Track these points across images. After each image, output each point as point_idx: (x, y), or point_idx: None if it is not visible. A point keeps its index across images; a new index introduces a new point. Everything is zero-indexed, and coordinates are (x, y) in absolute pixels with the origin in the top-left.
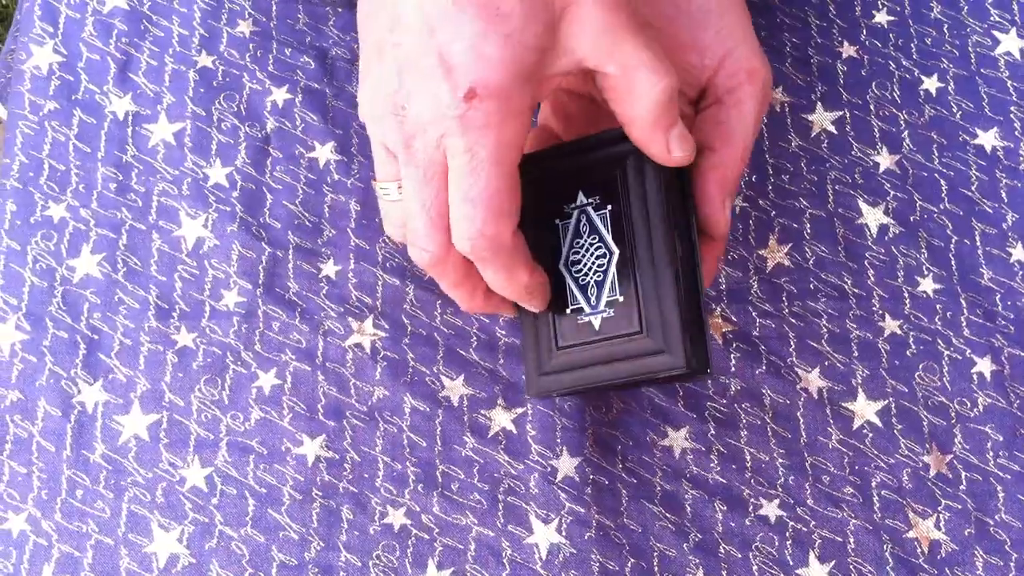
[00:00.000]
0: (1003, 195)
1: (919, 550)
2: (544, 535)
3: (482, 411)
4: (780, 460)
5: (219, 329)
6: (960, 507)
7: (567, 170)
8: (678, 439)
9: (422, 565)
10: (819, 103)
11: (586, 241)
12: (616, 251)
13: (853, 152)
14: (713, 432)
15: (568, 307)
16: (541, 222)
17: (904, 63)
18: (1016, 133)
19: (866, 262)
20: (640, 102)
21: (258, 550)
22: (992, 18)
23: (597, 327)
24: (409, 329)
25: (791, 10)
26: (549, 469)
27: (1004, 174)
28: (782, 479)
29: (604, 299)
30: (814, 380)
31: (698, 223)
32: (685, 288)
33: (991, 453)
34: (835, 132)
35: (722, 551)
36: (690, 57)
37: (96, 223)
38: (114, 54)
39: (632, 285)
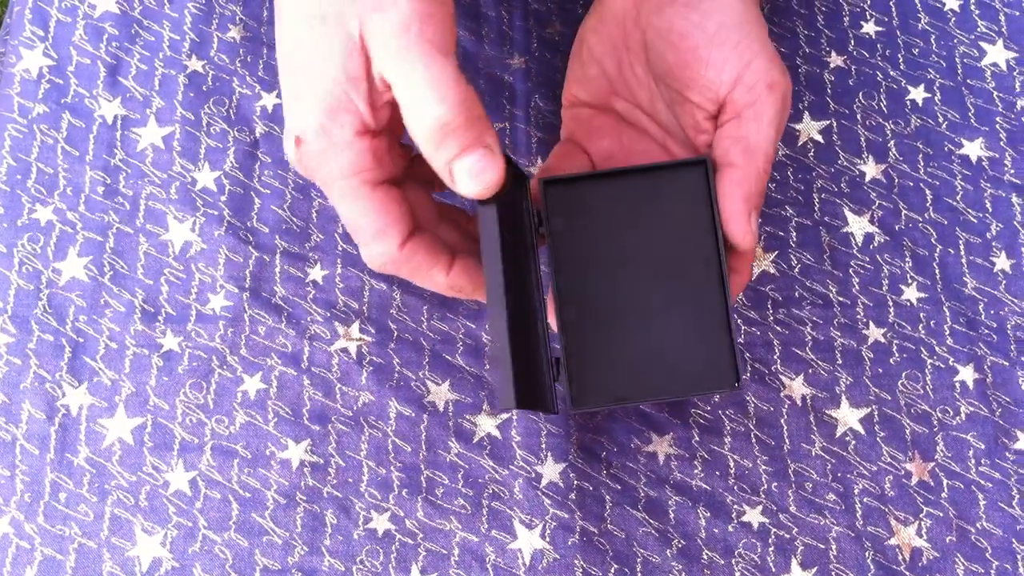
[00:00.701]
0: (987, 205)
1: (901, 557)
2: (528, 540)
3: (467, 416)
4: (763, 467)
5: (205, 333)
6: (942, 515)
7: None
8: (662, 445)
9: (406, 570)
10: (806, 112)
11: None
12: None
13: (839, 161)
14: (697, 439)
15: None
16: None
17: (891, 73)
18: (1001, 143)
19: (851, 270)
20: (418, 130)
21: (241, 554)
22: (979, 29)
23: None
24: (395, 334)
25: (780, 20)
26: (533, 475)
27: (989, 184)
28: (765, 486)
29: None
30: (798, 387)
31: (725, 237)
32: (719, 305)
33: (973, 461)
34: (822, 141)
35: (705, 557)
36: (707, 72)
37: (83, 226)
38: (104, 58)
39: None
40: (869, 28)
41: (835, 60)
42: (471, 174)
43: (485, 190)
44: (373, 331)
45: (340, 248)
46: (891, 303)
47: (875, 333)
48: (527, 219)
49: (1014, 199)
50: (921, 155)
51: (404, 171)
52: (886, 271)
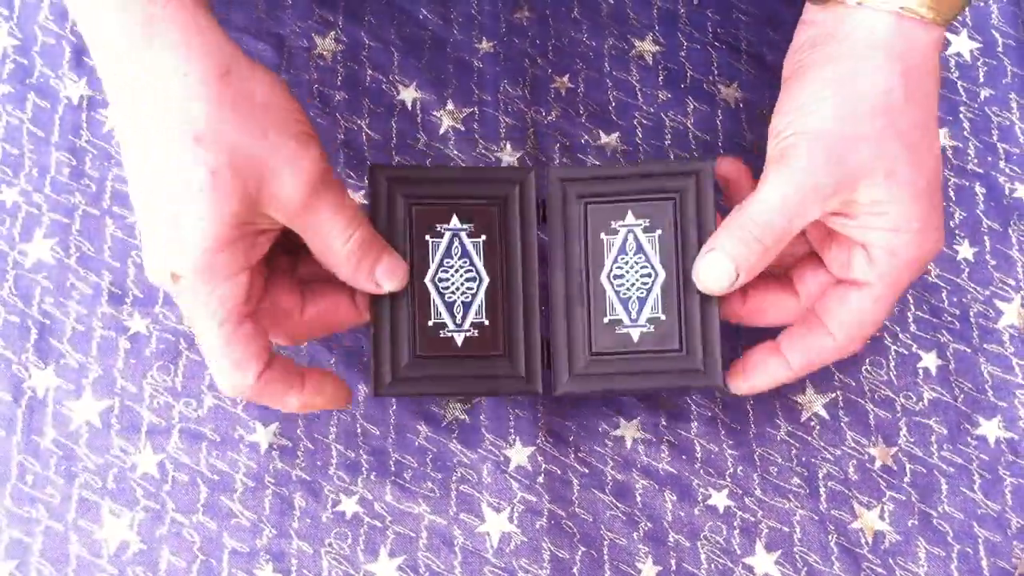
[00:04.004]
0: (951, 193)
1: (863, 540)
2: (496, 524)
3: (435, 400)
4: (729, 451)
5: (172, 315)
6: (904, 499)
7: (447, 194)
8: (630, 430)
9: (374, 553)
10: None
11: (456, 263)
12: (486, 279)
13: None
14: (664, 423)
15: (430, 319)
16: (413, 237)
17: None
18: (965, 133)
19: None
20: (335, 258)
21: (210, 537)
22: None
23: (460, 343)
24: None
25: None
26: (502, 458)
27: (952, 173)
28: (731, 469)
29: (470, 320)
30: None
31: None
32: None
33: (935, 446)
34: None
35: (671, 540)
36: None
37: (49, 208)
38: (69, 38)
39: (499, 311)
40: None
41: None
42: (389, 274)
43: (402, 283)
44: None
45: None
46: None
47: None
48: (529, 210)
49: (977, 188)
50: None
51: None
52: None
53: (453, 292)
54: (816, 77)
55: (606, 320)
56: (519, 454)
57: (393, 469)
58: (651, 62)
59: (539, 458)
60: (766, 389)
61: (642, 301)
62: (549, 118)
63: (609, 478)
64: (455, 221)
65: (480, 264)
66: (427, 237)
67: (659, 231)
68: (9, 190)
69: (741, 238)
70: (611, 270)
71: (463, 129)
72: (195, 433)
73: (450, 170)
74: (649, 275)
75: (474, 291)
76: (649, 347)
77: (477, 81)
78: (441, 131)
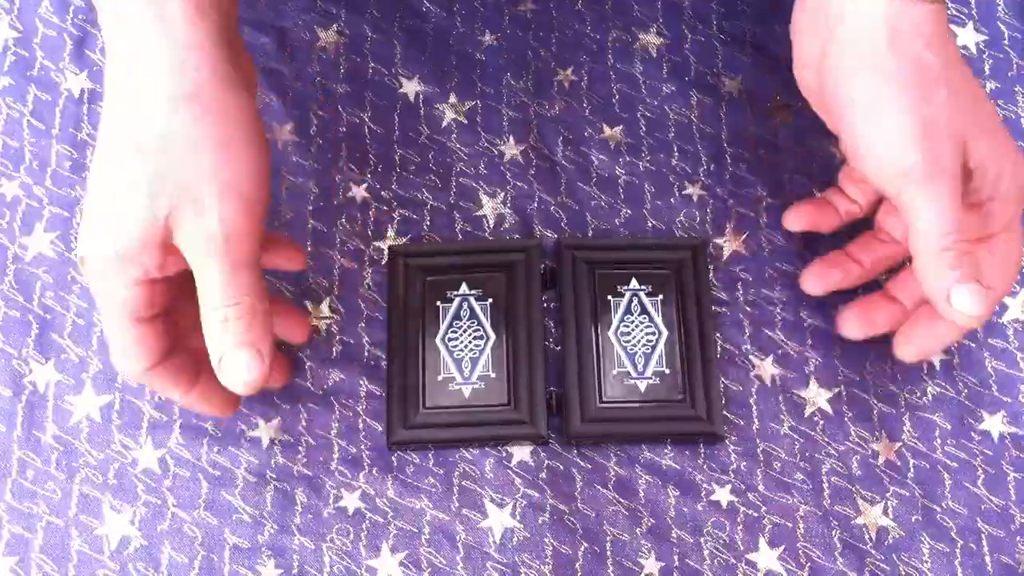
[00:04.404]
0: None
1: (867, 536)
2: (498, 519)
3: None
4: (732, 446)
5: None
6: (908, 494)
7: (459, 264)
8: None
9: (376, 548)
10: (779, 97)
11: (465, 323)
12: (492, 336)
13: (809, 144)
14: None
15: (439, 375)
16: (426, 304)
17: None
18: None
19: (821, 251)
20: (206, 316)
21: (211, 532)
22: (950, 11)
23: (467, 395)
24: (364, 313)
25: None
26: (504, 454)
27: None
28: (734, 465)
29: (477, 373)
30: (768, 368)
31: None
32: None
33: (939, 441)
34: (792, 123)
35: (674, 536)
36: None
37: (50, 201)
38: (70, 30)
39: (504, 365)
40: None
41: None
42: (233, 369)
43: (245, 388)
44: (343, 309)
45: (309, 225)
46: None
47: None
48: (533, 275)
49: None
50: None
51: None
52: None
53: (462, 349)
54: (857, 82)
55: (615, 372)
56: (522, 450)
57: (395, 464)
58: (655, 55)
59: (542, 453)
60: (935, 353)
61: (647, 356)
62: (552, 111)
63: (612, 474)
64: (464, 287)
65: (487, 324)
66: (438, 303)
67: (660, 296)
68: (9, 183)
69: (953, 260)
70: (618, 327)
71: (466, 122)
72: (196, 428)
73: (462, 244)
74: (653, 334)
75: (481, 348)
76: (655, 397)
77: (480, 74)
78: (444, 124)
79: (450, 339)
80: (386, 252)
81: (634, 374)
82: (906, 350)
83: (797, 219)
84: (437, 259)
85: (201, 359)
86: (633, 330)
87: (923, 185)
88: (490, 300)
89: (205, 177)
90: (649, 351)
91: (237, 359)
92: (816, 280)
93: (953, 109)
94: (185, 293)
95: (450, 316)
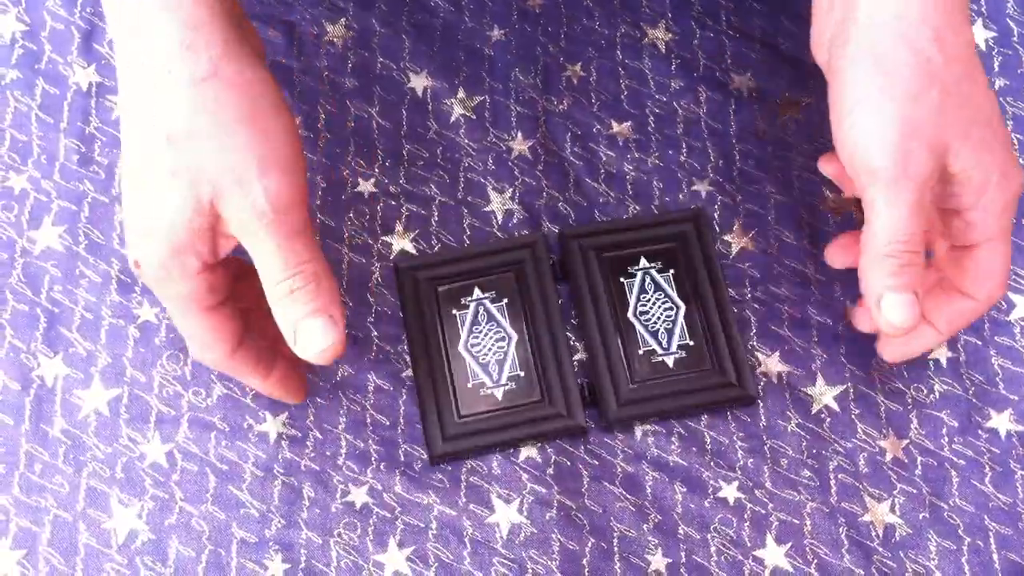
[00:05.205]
0: None
1: (874, 533)
2: (506, 515)
3: None
4: (739, 443)
5: None
6: (915, 491)
7: (466, 270)
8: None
9: (383, 543)
10: (788, 93)
11: (484, 327)
12: (514, 336)
13: (818, 141)
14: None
15: (469, 382)
16: (442, 315)
17: None
18: None
19: None
20: (267, 293)
21: (218, 527)
22: None
23: (500, 398)
24: (373, 307)
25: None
26: (511, 449)
27: None
28: (741, 462)
29: (506, 375)
30: (774, 364)
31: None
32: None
33: (946, 439)
34: (802, 120)
35: (681, 532)
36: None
37: (58, 195)
38: (79, 24)
39: (531, 362)
40: None
41: None
42: (312, 336)
43: (323, 357)
44: (351, 304)
45: (318, 220)
46: None
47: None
48: (543, 269)
49: None
50: None
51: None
52: None
53: (486, 354)
54: (855, 73)
55: (641, 352)
56: (529, 446)
57: (403, 459)
58: (664, 50)
59: (549, 449)
60: (918, 355)
61: (670, 332)
62: (560, 107)
63: (619, 470)
64: (477, 292)
65: (507, 324)
66: (454, 311)
67: (672, 270)
68: (18, 177)
69: (892, 269)
70: (636, 308)
71: (474, 117)
72: (204, 422)
73: (465, 249)
74: (671, 308)
75: (505, 349)
76: (684, 370)
77: (488, 69)
78: (452, 119)
79: (472, 345)
80: (394, 253)
81: (660, 351)
82: (889, 351)
83: (837, 255)
84: (444, 268)
85: (274, 343)
86: (651, 308)
87: (887, 188)
88: (505, 300)
89: (242, 155)
90: (671, 326)
91: (311, 328)
92: (840, 252)
93: (941, 112)
94: (241, 277)
95: (468, 322)
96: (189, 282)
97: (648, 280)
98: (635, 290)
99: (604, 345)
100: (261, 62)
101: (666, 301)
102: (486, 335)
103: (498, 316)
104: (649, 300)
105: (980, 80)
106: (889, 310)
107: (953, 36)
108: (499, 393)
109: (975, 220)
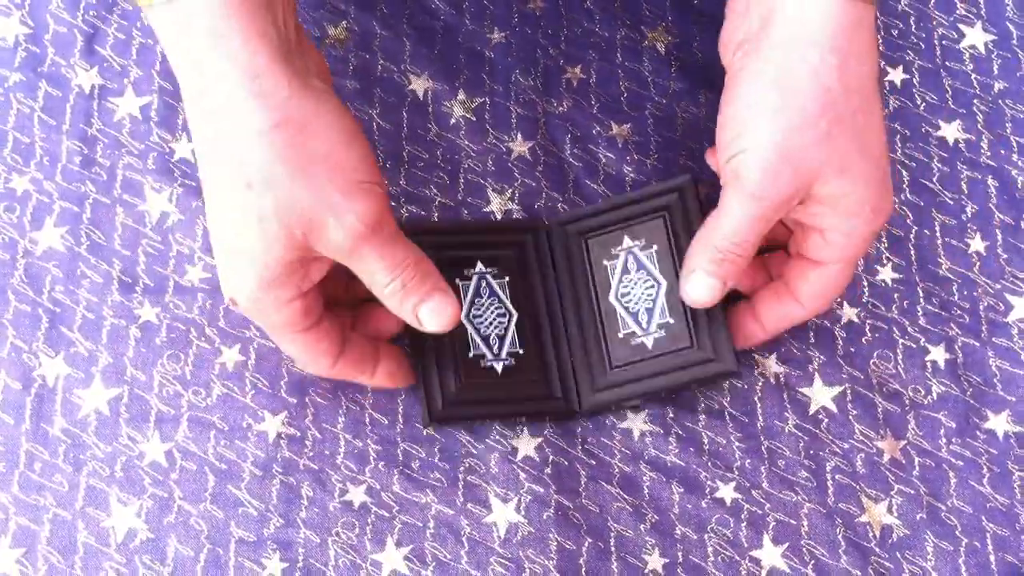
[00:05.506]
0: (963, 187)
1: (871, 534)
2: (503, 514)
3: None
4: (737, 444)
5: (183, 304)
6: (912, 492)
7: (470, 243)
8: (637, 422)
9: (381, 542)
10: None
11: (486, 301)
12: (515, 313)
13: None
14: (672, 415)
15: (470, 352)
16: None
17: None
18: (979, 126)
19: None
20: (381, 292)
21: (217, 525)
22: (958, 11)
23: (499, 371)
24: None
25: None
26: (509, 449)
27: (965, 166)
28: (739, 462)
29: (506, 350)
30: (772, 365)
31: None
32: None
33: (944, 440)
34: None
35: (678, 532)
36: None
37: (60, 196)
38: (81, 27)
39: (529, 341)
40: None
41: None
42: (433, 314)
43: (448, 324)
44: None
45: None
46: (866, 283)
47: (849, 312)
48: (544, 254)
49: (990, 181)
50: (899, 136)
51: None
52: None
53: (487, 327)
54: (754, 85)
55: (620, 335)
56: (526, 445)
57: (401, 459)
58: (664, 53)
59: (546, 449)
60: (740, 348)
61: (650, 311)
62: (560, 108)
63: (616, 470)
64: (480, 266)
65: (508, 301)
66: (457, 281)
67: (655, 247)
68: (20, 178)
69: (715, 258)
70: (617, 290)
71: (474, 119)
72: (203, 422)
73: (471, 223)
74: (653, 286)
75: (506, 325)
76: (663, 350)
77: (488, 71)
78: (452, 121)
79: (475, 316)
80: None
81: (639, 332)
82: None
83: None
84: (447, 237)
85: (375, 337)
86: (632, 289)
87: (744, 197)
88: (507, 278)
89: (326, 192)
90: (651, 305)
91: (429, 308)
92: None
93: (826, 142)
94: (332, 275)
95: (471, 293)
96: (284, 310)
97: (631, 260)
98: (618, 272)
99: (582, 333)
100: (327, 87)
101: (648, 279)
102: (488, 308)
103: (500, 292)
104: (631, 280)
105: (876, 112)
106: (693, 286)
107: (857, 66)
108: (499, 367)
109: (833, 242)
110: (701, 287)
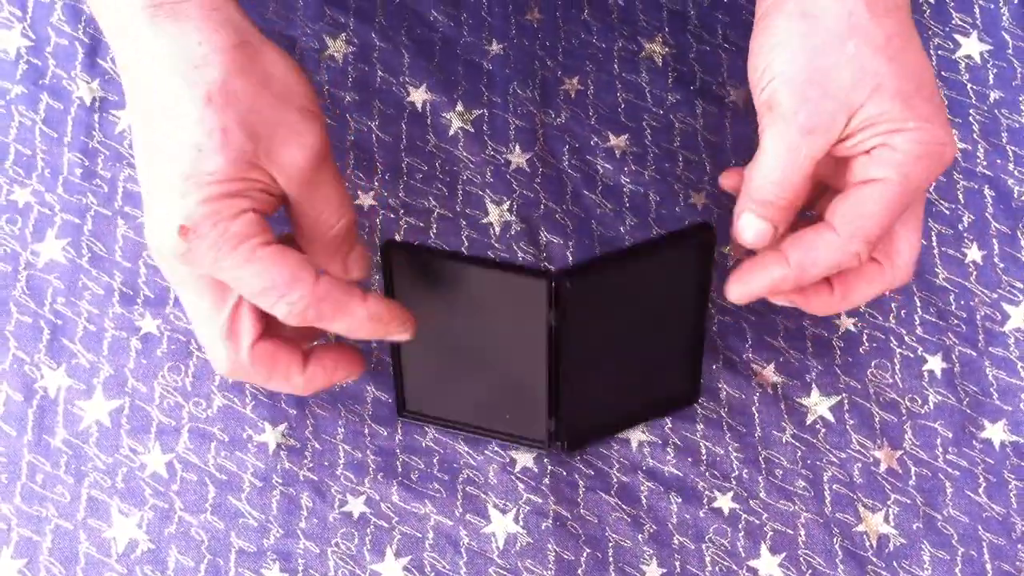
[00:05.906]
0: (960, 196)
1: (868, 543)
2: (502, 524)
3: None
4: (734, 453)
5: (183, 316)
6: (909, 502)
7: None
8: (635, 432)
9: (380, 553)
10: None
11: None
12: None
13: None
14: (670, 425)
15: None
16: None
17: None
18: (975, 136)
19: None
20: (326, 233)
21: (217, 536)
22: (954, 21)
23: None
24: None
25: None
26: (508, 459)
27: (961, 176)
28: (736, 472)
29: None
30: (769, 375)
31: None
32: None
33: (940, 449)
34: None
35: (676, 542)
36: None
37: (61, 208)
38: (82, 39)
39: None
40: None
41: None
42: (359, 260)
43: (365, 273)
44: None
45: None
46: None
47: (846, 322)
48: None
49: (986, 191)
50: None
51: None
52: None
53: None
54: (781, 16)
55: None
56: (525, 455)
57: (400, 470)
58: (661, 64)
59: (545, 460)
60: (763, 294)
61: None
62: (558, 120)
63: (614, 480)
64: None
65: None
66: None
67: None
68: (22, 190)
69: (764, 201)
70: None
71: (472, 130)
72: (204, 433)
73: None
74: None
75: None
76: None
77: (487, 83)
78: (450, 133)
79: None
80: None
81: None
82: (733, 289)
83: (731, 179)
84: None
85: (301, 340)
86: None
87: (779, 125)
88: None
89: (286, 109)
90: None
91: (359, 252)
92: (736, 177)
93: (851, 64)
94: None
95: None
96: (240, 222)
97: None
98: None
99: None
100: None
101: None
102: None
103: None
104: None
105: (913, 37)
106: (743, 227)
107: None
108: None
109: (877, 156)
110: (751, 228)
